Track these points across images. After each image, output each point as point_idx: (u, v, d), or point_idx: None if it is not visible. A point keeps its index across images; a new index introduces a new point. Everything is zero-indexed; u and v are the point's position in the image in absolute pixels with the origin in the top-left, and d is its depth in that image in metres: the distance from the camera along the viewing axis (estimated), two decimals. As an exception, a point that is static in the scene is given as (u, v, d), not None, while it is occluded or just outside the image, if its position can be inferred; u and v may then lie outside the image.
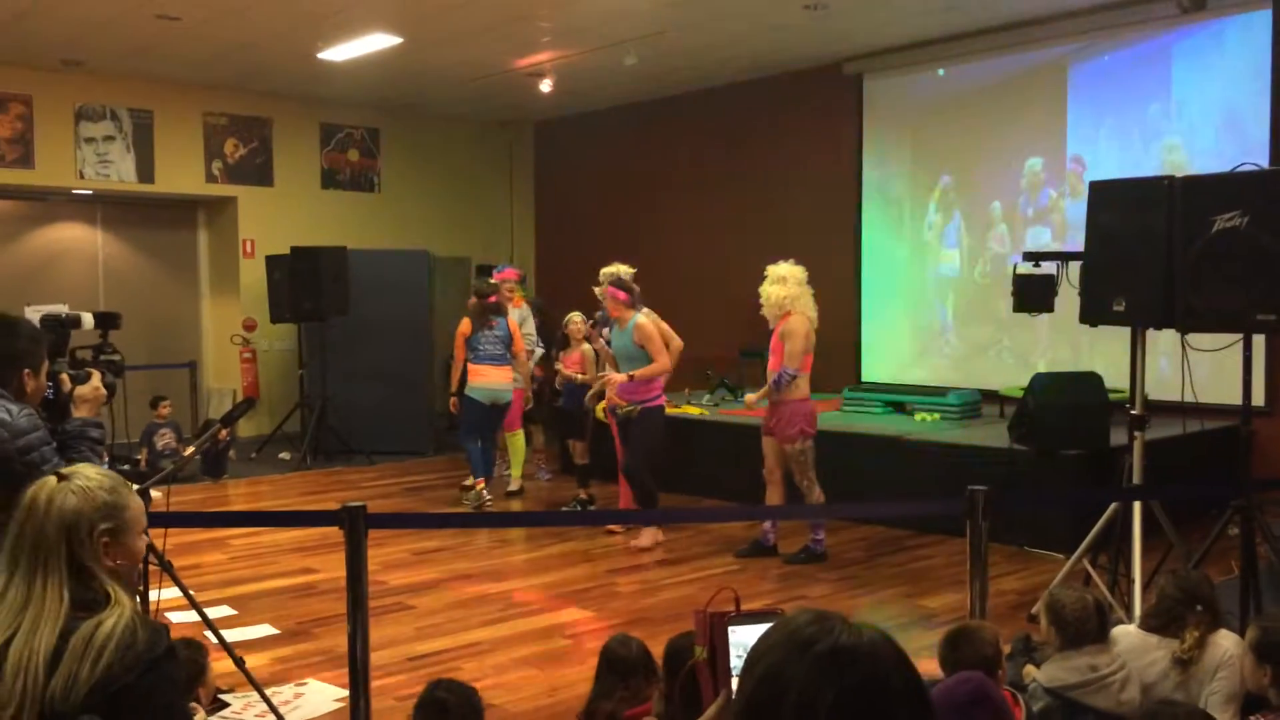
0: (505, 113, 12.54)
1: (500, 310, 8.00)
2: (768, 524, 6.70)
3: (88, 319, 3.79)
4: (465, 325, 8.01)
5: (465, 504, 7.99)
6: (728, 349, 10.52)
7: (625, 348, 6.91)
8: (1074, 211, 8.67)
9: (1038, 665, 3.58)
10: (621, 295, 6.88)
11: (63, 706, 1.84)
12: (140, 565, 2.23)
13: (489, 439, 8.25)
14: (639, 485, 6.82)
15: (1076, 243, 8.26)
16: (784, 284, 6.49)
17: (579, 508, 7.69)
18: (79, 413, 3.26)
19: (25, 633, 1.89)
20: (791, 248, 10.40)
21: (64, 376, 3.29)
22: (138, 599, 3.93)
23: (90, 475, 2.05)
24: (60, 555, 1.95)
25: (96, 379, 3.22)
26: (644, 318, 6.88)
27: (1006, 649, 4.28)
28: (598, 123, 12.25)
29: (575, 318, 8.08)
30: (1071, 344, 8.37)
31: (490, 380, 7.88)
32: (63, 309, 9.61)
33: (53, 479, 2.03)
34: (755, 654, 1.25)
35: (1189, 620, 3.33)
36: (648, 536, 6.85)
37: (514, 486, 8.53)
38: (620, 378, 6.81)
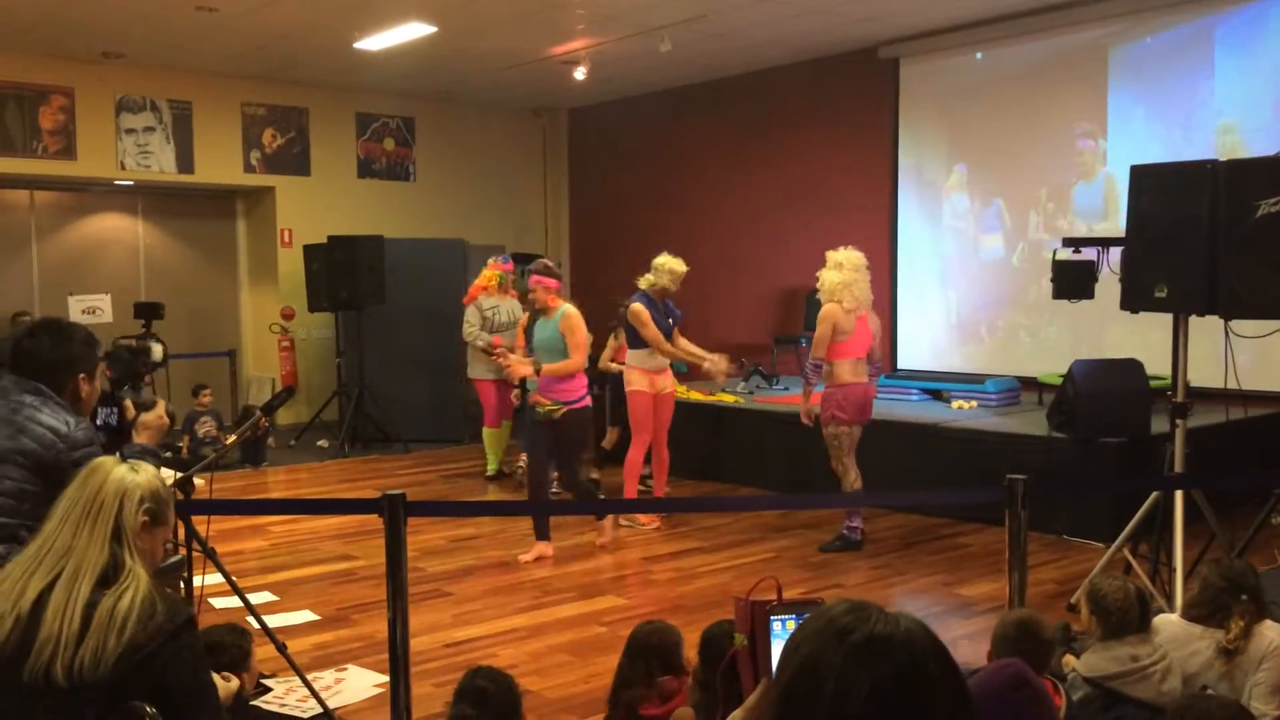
0: (540, 100, 12.56)
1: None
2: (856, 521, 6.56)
3: (158, 350, 3.84)
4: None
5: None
6: (762, 336, 10.51)
7: (550, 339, 6.28)
8: (1082, 197, 8.62)
9: (1077, 655, 3.55)
10: (552, 283, 6.37)
11: (91, 677, 1.94)
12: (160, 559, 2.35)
13: None
14: (581, 492, 6.60)
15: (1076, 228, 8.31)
16: (839, 270, 6.44)
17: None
18: (139, 439, 3.30)
19: (67, 579, 2.04)
20: (827, 234, 10.40)
21: (128, 403, 3.32)
22: (182, 585, 4.00)
23: (149, 467, 2.28)
24: (110, 515, 2.13)
25: (161, 408, 3.25)
26: (574, 308, 6.36)
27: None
28: (632, 109, 12.23)
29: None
30: (1112, 331, 8.27)
31: None
32: (105, 299, 9.77)
33: (115, 458, 2.27)
34: (793, 643, 1.25)
35: (1234, 610, 3.28)
36: (608, 529, 6.63)
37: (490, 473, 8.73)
38: (524, 369, 6.34)
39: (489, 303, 8.54)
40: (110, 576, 2.05)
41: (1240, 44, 7.84)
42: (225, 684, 2.82)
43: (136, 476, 2.20)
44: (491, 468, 8.71)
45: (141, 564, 2.12)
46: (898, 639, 1.19)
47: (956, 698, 1.20)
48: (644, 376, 7.15)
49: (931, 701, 1.18)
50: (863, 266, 6.49)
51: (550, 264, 6.57)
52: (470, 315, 8.64)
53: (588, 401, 6.41)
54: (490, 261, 8.81)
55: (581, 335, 6.25)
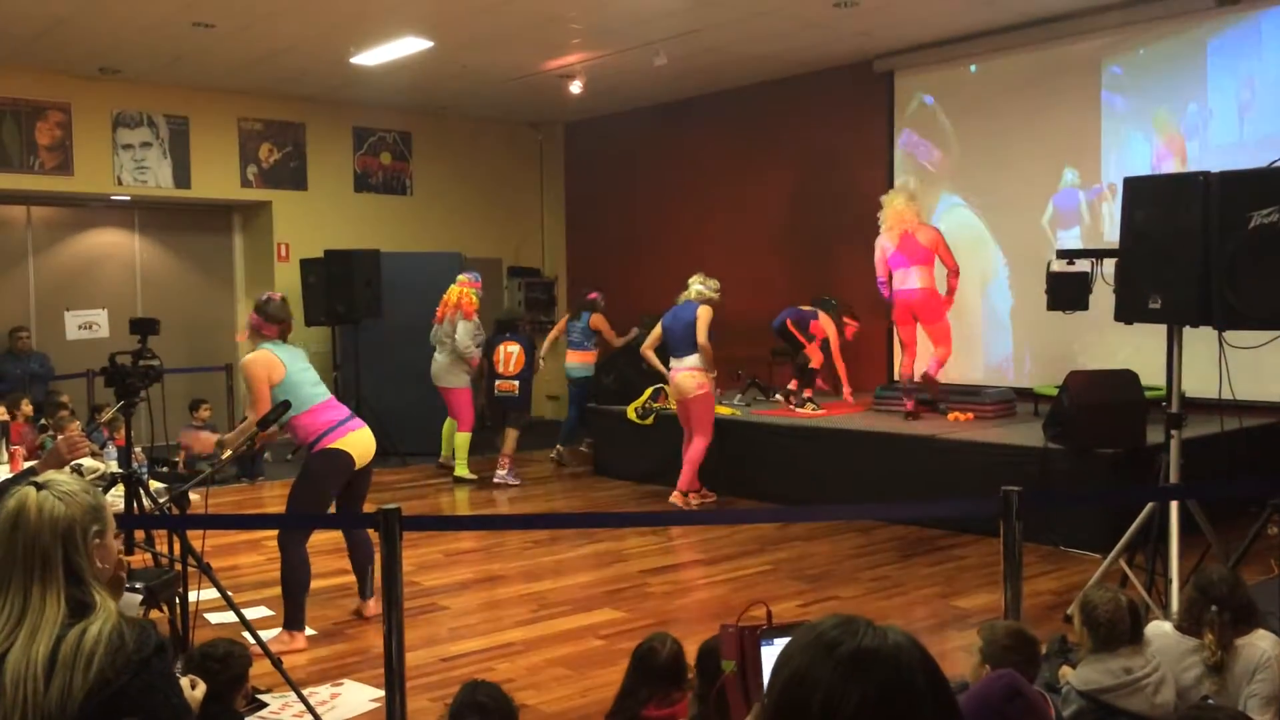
0: (536, 114, 12.59)
1: (595, 306, 9.96)
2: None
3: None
4: (564, 321, 10.20)
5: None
6: (759, 349, 10.50)
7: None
8: (1076, 209, 8.63)
9: (1074, 666, 3.55)
10: (263, 326, 5.19)
11: (60, 717, 1.84)
12: (124, 571, 2.21)
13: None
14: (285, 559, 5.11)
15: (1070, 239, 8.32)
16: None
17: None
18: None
19: (23, 642, 1.89)
20: (822, 246, 10.43)
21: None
22: (177, 601, 3.99)
23: (68, 481, 2.06)
24: (57, 562, 1.94)
25: (201, 690, 3.05)
26: (255, 355, 5.11)
27: (1042, 650, 4.25)
28: (628, 123, 12.27)
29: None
30: (1107, 342, 8.28)
31: (570, 360, 9.94)
32: (102, 314, 9.78)
33: (31, 489, 2.01)
34: (783, 658, 1.26)
35: (1203, 621, 3.28)
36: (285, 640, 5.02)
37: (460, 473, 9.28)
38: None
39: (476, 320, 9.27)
40: (76, 616, 1.93)
41: (1232, 56, 7.88)
42: (190, 692, 2.71)
43: (65, 506, 1.98)
44: (461, 471, 9.21)
45: (105, 593, 1.99)
46: (885, 652, 1.21)
47: (944, 711, 1.20)
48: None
49: (918, 714, 1.18)
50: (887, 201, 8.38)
51: (273, 297, 5.34)
52: (474, 330, 9.05)
53: (328, 444, 5.13)
54: (469, 279, 9.31)
55: (260, 387, 5.01)
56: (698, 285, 8.03)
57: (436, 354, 9.27)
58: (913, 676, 1.19)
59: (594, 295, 10.00)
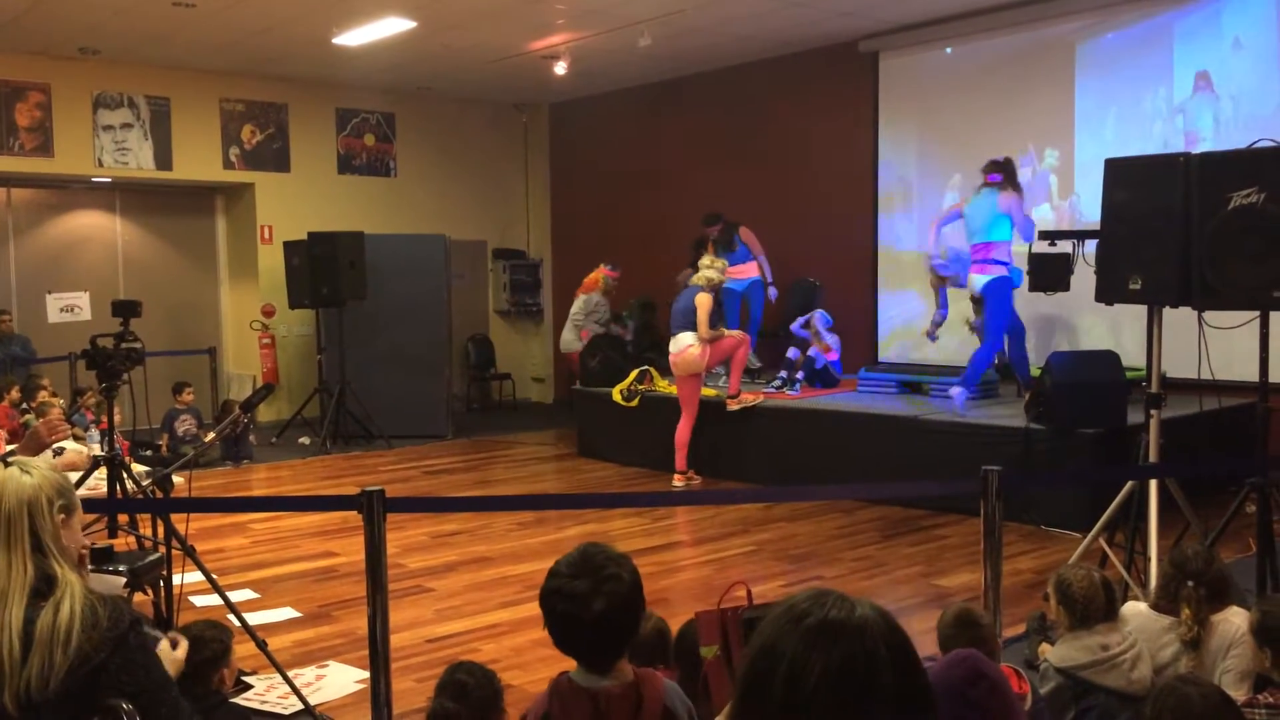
0: (520, 95, 12.55)
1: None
2: None
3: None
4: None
5: None
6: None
7: None
8: (1055, 191, 8.65)
9: (1053, 644, 3.59)
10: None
11: (41, 696, 1.86)
12: (86, 553, 2.24)
13: None
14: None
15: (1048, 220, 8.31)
16: None
17: None
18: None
19: None
20: (808, 227, 10.44)
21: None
22: (161, 584, 3.99)
23: (38, 462, 2.12)
24: (23, 529, 1.99)
25: (184, 649, 2.95)
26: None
27: (1022, 628, 4.30)
28: (613, 104, 12.23)
29: None
30: (1089, 323, 8.33)
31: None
32: (84, 297, 9.73)
33: (0, 465, 2.08)
34: (757, 632, 1.29)
35: (1180, 597, 3.33)
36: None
37: None
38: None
39: (595, 298, 10.22)
40: (42, 590, 1.96)
41: (1196, 41, 7.92)
42: (171, 653, 2.60)
43: (32, 477, 2.05)
44: None
45: (69, 567, 2.02)
46: (851, 624, 1.23)
47: (909, 684, 1.22)
48: None
49: (880, 685, 1.20)
50: None
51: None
52: (588, 307, 10.19)
53: None
54: (606, 267, 10.34)
55: None
56: (705, 269, 8.05)
57: (566, 328, 10.42)
58: (876, 647, 1.21)
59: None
